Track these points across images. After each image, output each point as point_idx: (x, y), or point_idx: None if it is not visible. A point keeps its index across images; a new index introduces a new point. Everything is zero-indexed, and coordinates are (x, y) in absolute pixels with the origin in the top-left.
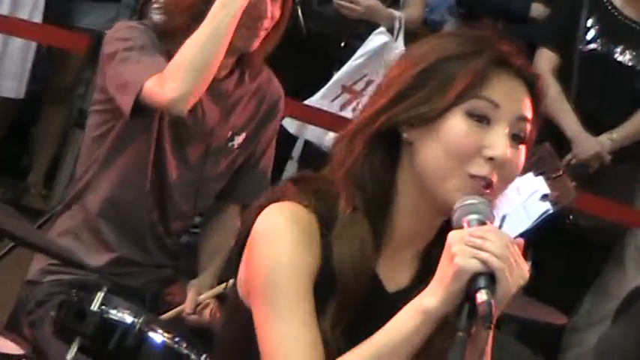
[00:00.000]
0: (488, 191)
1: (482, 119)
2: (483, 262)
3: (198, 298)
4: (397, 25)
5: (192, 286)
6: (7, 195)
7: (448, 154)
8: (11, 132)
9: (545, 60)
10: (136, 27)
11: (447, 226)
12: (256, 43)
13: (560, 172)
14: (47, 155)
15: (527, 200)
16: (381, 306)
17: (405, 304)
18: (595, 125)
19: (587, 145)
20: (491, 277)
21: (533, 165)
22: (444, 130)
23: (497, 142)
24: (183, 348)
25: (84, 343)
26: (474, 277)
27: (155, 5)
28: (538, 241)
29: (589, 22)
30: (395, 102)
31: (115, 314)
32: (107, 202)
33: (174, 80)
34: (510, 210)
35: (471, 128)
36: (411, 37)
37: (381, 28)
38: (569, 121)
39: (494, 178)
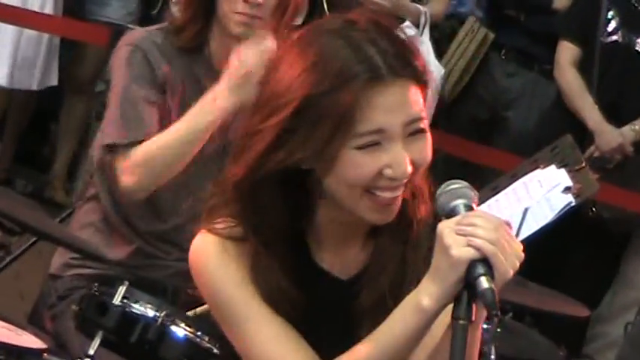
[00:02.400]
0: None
1: (372, 145)
2: (477, 248)
3: None
4: (423, 20)
5: None
6: (28, 188)
7: (350, 186)
8: (32, 123)
9: (567, 52)
10: (138, 49)
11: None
12: (252, 31)
13: (583, 165)
14: (69, 147)
15: (549, 193)
16: (339, 295)
17: (361, 287)
18: (617, 117)
19: (610, 136)
20: (487, 263)
21: (556, 158)
22: (338, 165)
23: (395, 161)
24: (205, 342)
25: (106, 336)
26: (471, 265)
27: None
28: (561, 233)
29: (609, 14)
30: (275, 147)
31: (136, 308)
32: (113, 196)
33: (135, 172)
34: (532, 203)
35: (364, 158)
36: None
37: (407, 23)
38: (591, 114)
39: (407, 178)
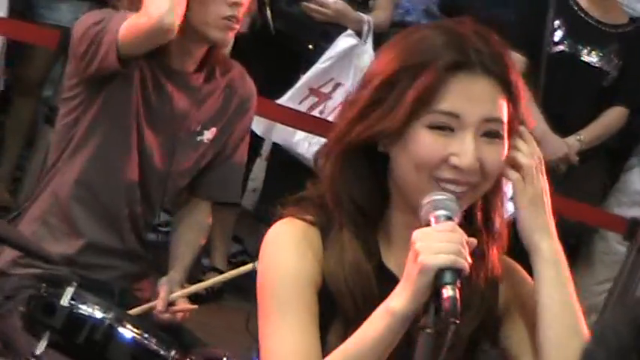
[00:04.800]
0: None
1: (444, 128)
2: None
3: (170, 297)
4: (366, 28)
5: (163, 284)
6: None
7: (416, 166)
8: None
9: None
10: (106, 10)
11: None
12: (232, 35)
13: None
14: (15, 150)
15: None
16: None
17: None
18: (562, 126)
19: (556, 146)
20: (456, 271)
21: None
22: (410, 142)
23: (462, 150)
24: (153, 344)
25: (53, 337)
26: (439, 273)
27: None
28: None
29: (556, 24)
30: (360, 117)
31: (84, 309)
32: (79, 183)
33: (154, 1)
34: None
35: (434, 139)
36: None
37: (349, 31)
38: (537, 123)
39: (473, 179)
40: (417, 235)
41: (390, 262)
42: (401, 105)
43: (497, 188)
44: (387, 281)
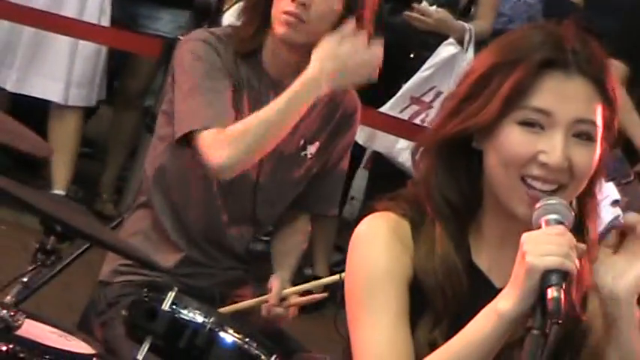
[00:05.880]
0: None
1: (535, 125)
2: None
3: (282, 292)
4: (467, 37)
5: (276, 278)
6: (79, 194)
7: (505, 162)
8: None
9: (615, 71)
10: (208, 44)
11: None
12: (296, 34)
13: (631, 178)
14: (118, 160)
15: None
16: (489, 300)
17: None
18: None
19: None
20: (562, 274)
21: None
22: (500, 139)
23: (551, 147)
24: (254, 348)
25: (155, 342)
26: (545, 275)
27: (230, 11)
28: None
29: None
30: (455, 112)
31: (185, 314)
32: (170, 200)
33: (229, 147)
34: None
35: (524, 136)
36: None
37: (450, 40)
38: (638, 131)
39: (561, 178)
40: (526, 237)
41: (480, 261)
42: (494, 100)
43: (591, 195)
44: (477, 279)
